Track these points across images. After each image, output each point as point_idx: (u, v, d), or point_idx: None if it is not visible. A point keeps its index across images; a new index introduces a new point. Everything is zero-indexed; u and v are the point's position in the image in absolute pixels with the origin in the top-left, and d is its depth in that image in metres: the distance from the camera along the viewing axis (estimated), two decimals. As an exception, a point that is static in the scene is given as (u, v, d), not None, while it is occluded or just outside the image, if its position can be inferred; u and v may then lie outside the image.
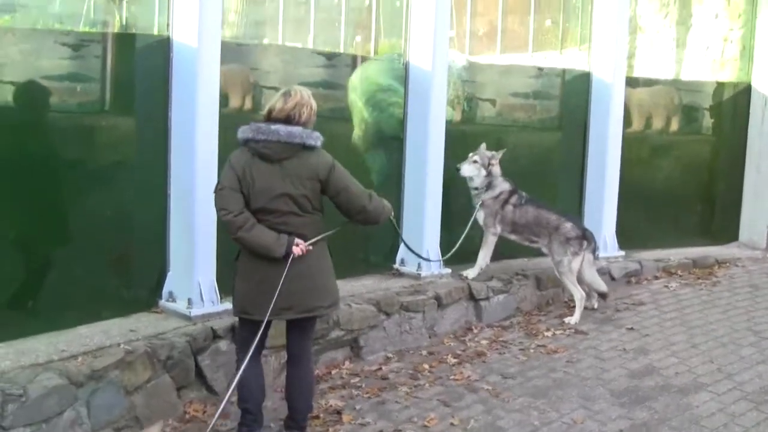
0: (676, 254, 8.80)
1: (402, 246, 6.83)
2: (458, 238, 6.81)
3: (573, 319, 6.85)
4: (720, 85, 9.83)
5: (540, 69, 8.71)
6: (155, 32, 5.69)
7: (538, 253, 7.31)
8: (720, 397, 5.38)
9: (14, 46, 5.12)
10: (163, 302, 5.57)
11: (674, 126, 9.62)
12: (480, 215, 7.05)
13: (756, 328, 6.70)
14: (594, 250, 7.24)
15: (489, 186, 7.02)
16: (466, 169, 6.99)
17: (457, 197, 7.24)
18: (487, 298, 6.93)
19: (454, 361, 6.01)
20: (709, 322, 6.87)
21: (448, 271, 7.03)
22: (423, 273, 6.88)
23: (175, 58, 5.43)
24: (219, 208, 4.46)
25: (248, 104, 6.27)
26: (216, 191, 4.49)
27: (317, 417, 4.98)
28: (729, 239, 9.70)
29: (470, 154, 6.99)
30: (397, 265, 7.05)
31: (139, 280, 5.67)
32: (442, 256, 6.92)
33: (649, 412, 5.18)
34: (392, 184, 7.01)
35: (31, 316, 5.11)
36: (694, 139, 9.88)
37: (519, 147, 8.01)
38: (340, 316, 5.82)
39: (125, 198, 5.58)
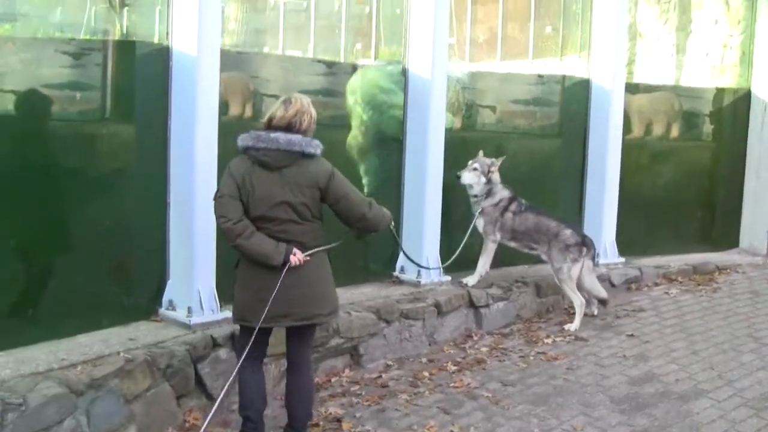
0: (676, 261, 8.80)
1: (402, 254, 6.83)
2: (458, 246, 6.81)
3: (573, 326, 6.85)
4: (720, 91, 9.84)
5: (540, 76, 8.72)
6: (155, 41, 5.70)
7: (538, 261, 7.31)
8: (720, 404, 5.37)
9: (15, 55, 5.13)
10: (162, 310, 5.57)
11: (674, 132, 9.62)
12: (480, 223, 7.05)
13: (756, 335, 6.70)
14: (593, 257, 7.24)
15: (489, 193, 7.02)
16: (467, 177, 6.99)
17: (456, 204, 7.24)
18: (487, 306, 6.93)
19: (454, 368, 6.01)
20: (710, 329, 6.86)
21: (448, 278, 7.03)
22: (423, 280, 6.89)
23: (175, 67, 5.44)
24: (218, 216, 4.47)
25: (248, 112, 6.28)
26: (215, 199, 4.51)
27: (317, 425, 4.97)
28: (729, 245, 9.70)
29: (470, 162, 7.00)
30: (396, 273, 7.06)
31: (139, 288, 5.67)
32: (442, 263, 6.92)
33: (649, 418, 5.17)
34: (392, 188, 7.02)
35: (31, 324, 5.10)
36: (694, 145, 9.88)
37: (519, 154, 8.01)
38: (339, 324, 5.83)
39: (125, 206, 5.58)
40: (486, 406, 5.34)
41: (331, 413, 5.17)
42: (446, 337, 6.60)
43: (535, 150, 8.56)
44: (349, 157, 6.99)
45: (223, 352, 5.24)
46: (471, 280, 7.01)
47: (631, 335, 6.70)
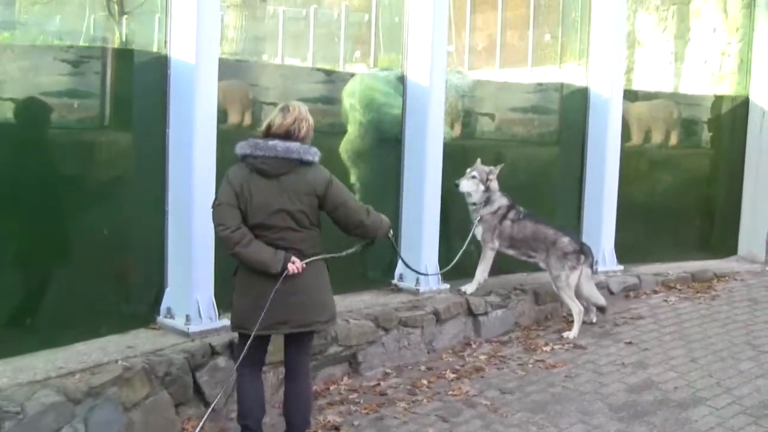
0: (674, 268, 8.79)
1: (400, 262, 6.83)
2: (456, 254, 6.82)
3: (571, 334, 6.85)
4: (718, 99, 9.85)
5: (539, 84, 8.73)
6: (154, 49, 5.73)
7: (536, 268, 7.31)
8: (719, 412, 5.37)
9: (14, 62, 5.15)
10: (161, 318, 5.57)
11: (672, 139, 9.64)
12: (478, 230, 7.06)
13: (755, 342, 6.69)
14: (592, 265, 7.24)
15: (487, 201, 7.03)
16: (465, 185, 7.00)
17: (455, 212, 7.24)
18: (486, 313, 6.93)
19: (452, 376, 6.01)
20: (708, 336, 6.86)
21: (447, 286, 7.03)
22: (421, 288, 6.89)
23: (173, 75, 5.45)
24: (216, 224, 4.48)
25: (247, 120, 6.29)
26: (213, 207, 4.52)
27: (315, 433, 4.98)
28: (728, 253, 9.70)
29: (468, 170, 7.01)
30: (395, 281, 7.06)
31: (137, 296, 5.67)
32: (440, 270, 6.92)
33: (647, 426, 5.17)
34: (390, 194, 7.02)
35: (29, 332, 5.10)
36: (693, 153, 9.89)
37: (517, 161, 8.02)
38: (338, 332, 5.82)
39: (123, 214, 5.58)
40: (484, 414, 5.34)
41: (329, 421, 5.16)
42: (445, 344, 6.60)
43: (534, 158, 8.57)
44: (347, 164, 7.00)
45: (221, 360, 5.24)
46: (469, 287, 7.01)
47: (630, 343, 6.70)
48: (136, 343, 5.20)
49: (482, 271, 7.08)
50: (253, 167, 4.40)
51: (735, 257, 9.67)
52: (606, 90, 8.28)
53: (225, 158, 5.06)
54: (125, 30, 6.17)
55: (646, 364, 6.23)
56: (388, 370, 6.13)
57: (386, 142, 7.16)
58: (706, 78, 10.17)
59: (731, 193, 9.74)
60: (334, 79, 7.20)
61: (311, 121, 4.54)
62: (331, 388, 5.75)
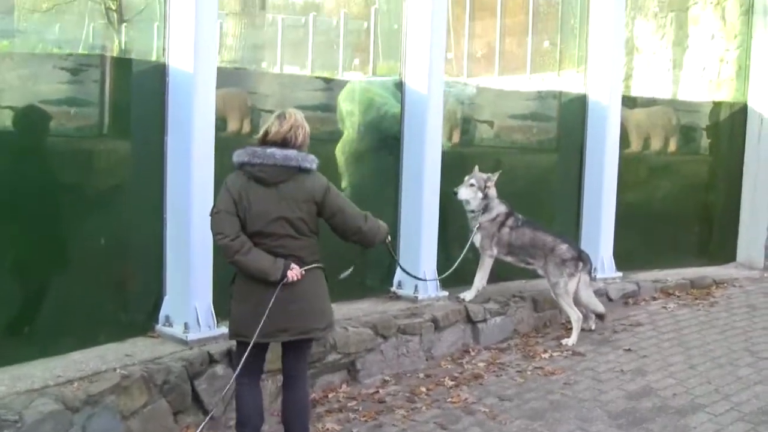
0: (673, 275, 8.80)
1: (399, 269, 6.83)
2: (455, 260, 6.82)
3: (570, 341, 6.85)
4: (716, 105, 9.86)
5: (538, 91, 8.74)
6: (153, 57, 5.73)
7: (535, 275, 7.31)
8: (717, 418, 5.36)
9: (13, 70, 5.16)
10: (159, 327, 5.57)
11: (671, 146, 9.64)
12: (477, 238, 7.06)
13: (753, 349, 6.69)
14: (590, 272, 7.24)
15: (486, 208, 7.03)
16: (464, 193, 7.00)
17: (454, 219, 7.25)
18: (485, 321, 6.92)
19: (451, 383, 6.00)
20: (707, 343, 6.86)
21: (445, 293, 7.02)
22: (420, 296, 6.88)
23: (171, 83, 5.46)
24: (215, 233, 4.47)
25: (246, 128, 6.30)
26: (212, 215, 4.51)
27: (314, 441, 4.98)
28: (726, 259, 9.70)
29: (466, 177, 7.01)
30: (394, 288, 7.06)
31: (136, 304, 5.66)
32: (439, 275, 6.91)
33: (646, 434, 5.18)
34: (389, 200, 7.02)
35: (27, 341, 5.09)
36: (691, 159, 9.90)
37: (516, 169, 8.03)
38: (336, 340, 5.82)
39: (122, 221, 5.58)
40: (483, 422, 5.33)
41: (328, 429, 5.16)
42: (443, 352, 6.59)
43: (533, 165, 8.58)
44: (345, 169, 7.00)
45: (220, 368, 5.24)
46: (468, 295, 7.01)
47: (629, 350, 6.70)
48: (135, 351, 5.20)
49: (481, 278, 7.08)
50: (251, 175, 4.41)
51: (734, 264, 9.67)
52: (605, 97, 8.28)
53: (223, 166, 5.06)
54: (124, 38, 6.19)
55: (644, 371, 6.22)
56: (387, 378, 6.12)
57: (385, 146, 7.17)
58: (705, 85, 10.19)
59: (730, 199, 9.75)
60: (332, 86, 7.21)
61: (308, 128, 4.55)
62: (330, 395, 5.75)
